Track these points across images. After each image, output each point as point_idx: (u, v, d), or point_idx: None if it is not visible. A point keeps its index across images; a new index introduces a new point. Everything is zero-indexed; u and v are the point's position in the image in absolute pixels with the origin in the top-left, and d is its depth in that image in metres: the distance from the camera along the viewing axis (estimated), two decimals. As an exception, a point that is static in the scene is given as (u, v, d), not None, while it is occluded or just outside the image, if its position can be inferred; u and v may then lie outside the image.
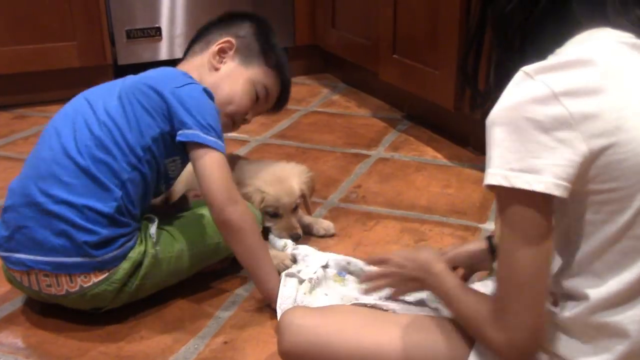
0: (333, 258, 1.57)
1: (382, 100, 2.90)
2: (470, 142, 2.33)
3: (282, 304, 1.38)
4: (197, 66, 1.56)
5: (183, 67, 1.57)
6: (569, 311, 0.90)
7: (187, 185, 1.77)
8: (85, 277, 1.31)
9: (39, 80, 2.97)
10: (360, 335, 1.08)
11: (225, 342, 1.34)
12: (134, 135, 1.35)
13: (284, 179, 1.68)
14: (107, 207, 1.30)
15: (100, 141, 1.33)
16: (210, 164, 1.34)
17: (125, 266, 1.34)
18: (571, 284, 0.91)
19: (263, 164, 1.77)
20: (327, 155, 2.34)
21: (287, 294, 1.40)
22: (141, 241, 1.37)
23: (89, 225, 1.29)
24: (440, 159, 2.28)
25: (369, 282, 1.22)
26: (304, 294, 1.43)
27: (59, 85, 3.00)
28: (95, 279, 1.32)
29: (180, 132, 1.35)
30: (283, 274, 1.46)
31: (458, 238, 1.74)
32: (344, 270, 1.55)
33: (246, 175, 1.70)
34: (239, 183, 1.65)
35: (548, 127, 0.82)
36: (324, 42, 3.23)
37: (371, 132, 2.55)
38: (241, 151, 2.37)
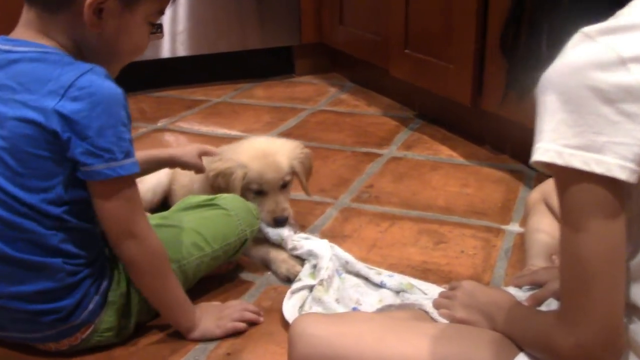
0: (335, 252, 1.45)
1: (393, 99, 2.78)
2: (487, 140, 2.21)
3: (289, 317, 1.25)
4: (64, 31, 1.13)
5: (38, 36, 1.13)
6: (634, 324, 0.77)
7: (188, 189, 1.65)
8: (70, 338, 1.18)
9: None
10: (382, 346, 0.95)
11: (228, 354, 1.21)
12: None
13: (269, 153, 1.56)
14: (54, 281, 1.13)
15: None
16: (103, 192, 1.13)
17: (108, 318, 1.19)
18: (630, 292, 0.77)
19: (249, 140, 1.66)
20: (337, 154, 2.21)
21: (293, 304, 1.28)
22: (120, 278, 1.21)
23: (48, 306, 1.14)
24: (457, 157, 2.15)
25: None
26: (318, 299, 1.30)
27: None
28: (82, 335, 1.18)
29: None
30: (289, 291, 1.34)
31: (480, 240, 1.61)
32: (342, 269, 1.43)
33: (229, 151, 1.58)
34: (221, 159, 1.54)
35: (613, 97, 0.69)
36: (330, 39, 3.11)
37: (382, 130, 2.43)
38: (245, 150, 2.24)
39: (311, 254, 1.44)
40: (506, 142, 2.12)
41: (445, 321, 1.09)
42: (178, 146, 1.63)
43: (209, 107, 2.81)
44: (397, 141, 2.31)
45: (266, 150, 1.56)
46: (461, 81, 2.12)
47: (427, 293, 1.33)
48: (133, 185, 1.14)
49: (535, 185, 1.86)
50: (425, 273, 1.47)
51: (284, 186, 1.56)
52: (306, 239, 1.51)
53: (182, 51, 3.07)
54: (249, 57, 3.20)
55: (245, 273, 1.49)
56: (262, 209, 1.52)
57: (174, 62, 3.08)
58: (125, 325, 1.23)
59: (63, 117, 1.06)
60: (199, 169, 1.56)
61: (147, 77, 3.07)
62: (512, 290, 1.18)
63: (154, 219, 1.34)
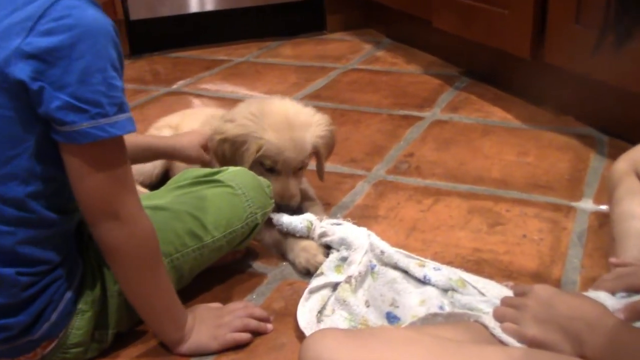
0: (371, 241, 1.17)
1: (435, 55, 2.45)
2: (548, 99, 1.87)
3: (305, 325, 0.98)
4: None
5: None
6: None
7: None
8: (27, 354, 0.92)
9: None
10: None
11: (228, 373, 0.95)
12: None
13: (294, 125, 1.26)
14: (5, 297, 0.87)
15: None
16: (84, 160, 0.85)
17: (77, 331, 0.93)
18: None
19: (272, 101, 1.33)
20: (371, 117, 1.91)
21: (310, 307, 1.01)
22: (93, 280, 0.95)
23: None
24: (512, 120, 1.83)
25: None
26: (343, 301, 1.03)
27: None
28: (42, 351, 0.92)
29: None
30: (306, 290, 1.06)
31: (546, 221, 1.30)
32: (376, 261, 1.14)
33: (243, 111, 1.28)
34: (233, 121, 1.25)
35: None
36: (365, -10, 2.78)
37: (423, 90, 2.11)
38: (266, 114, 1.96)
39: (344, 243, 1.16)
40: (572, 101, 1.79)
41: (511, 340, 0.81)
42: (187, 134, 1.34)
43: (230, 68, 2.53)
44: (441, 102, 1.99)
45: (291, 122, 1.26)
46: (519, 29, 1.79)
47: (484, 293, 1.05)
48: (124, 150, 0.87)
49: (610, 152, 1.55)
50: (479, 264, 1.18)
51: (300, 169, 1.28)
52: (337, 224, 1.23)
53: (208, 5, 2.79)
54: (277, 12, 2.91)
55: (255, 263, 1.22)
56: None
57: (196, 19, 2.80)
58: (100, 338, 0.97)
59: (32, 59, 0.78)
60: (203, 163, 1.31)
61: (164, 37, 2.81)
62: (602, 296, 0.88)
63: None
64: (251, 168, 1.22)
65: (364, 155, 1.65)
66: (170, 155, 1.30)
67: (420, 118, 1.88)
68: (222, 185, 1.10)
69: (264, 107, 1.30)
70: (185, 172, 1.18)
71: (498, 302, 0.98)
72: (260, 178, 1.16)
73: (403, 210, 1.38)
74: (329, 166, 1.46)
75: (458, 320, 0.87)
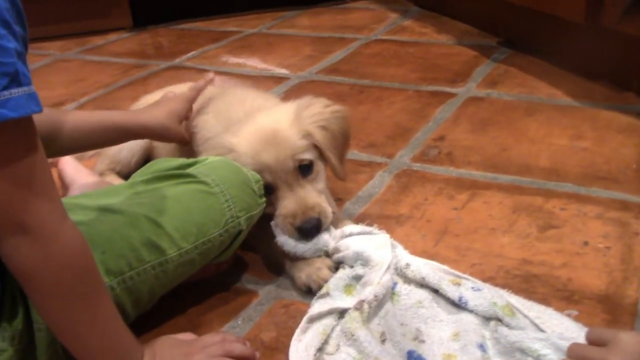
0: (397, 253, 0.92)
1: (470, 24, 2.17)
2: (605, 72, 1.58)
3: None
4: None
5: None
6: None
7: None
8: None
9: (32, 11, 2.38)
10: None
11: None
12: None
13: (267, 122, 0.98)
14: None
15: None
16: None
17: None
18: None
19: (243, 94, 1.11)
20: (395, 94, 1.65)
21: (308, 343, 0.76)
22: (13, 310, 0.71)
23: None
24: (562, 97, 1.55)
25: None
26: (350, 334, 0.78)
27: (57, 18, 2.42)
28: None
29: None
30: (305, 318, 0.81)
31: (612, 223, 1.03)
32: (398, 277, 0.89)
33: (209, 114, 1.07)
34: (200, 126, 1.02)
35: None
36: (391, -48, 2.50)
37: (456, 63, 1.84)
38: (276, 91, 1.71)
39: (360, 258, 0.91)
40: (632, 73, 1.50)
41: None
42: (162, 103, 1.06)
43: (239, 40, 2.27)
44: (477, 76, 1.72)
45: (265, 125, 0.98)
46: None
47: (539, 325, 0.79)
48: (29, 139, 0.62)
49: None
50: (528, 282, 0.91)
51: (305, 171, 0.98)
52: (354, 234, 0.97)
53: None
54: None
55: (244, 276, 0.98)
56: (276, 212, 0.96)
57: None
58: None
59: None
60: (181, 141, 1.06)
61: (170, 7, 2.56)
62: None
63: (83, 198, 0.83)
64: None
65: (385, 139, 1.39)
66: (140, 134, 1.03)
67: (452, 95, 1.61)
68: (193, 181, 0.85)
69: (235, 104, 1.08)
70: (154, 163, 0.94)
71: (559, 341, 0.72)
72: (249, 171, 0.91)
73: (432, 207, 1.12)
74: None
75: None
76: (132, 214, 0.79)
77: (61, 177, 1.21)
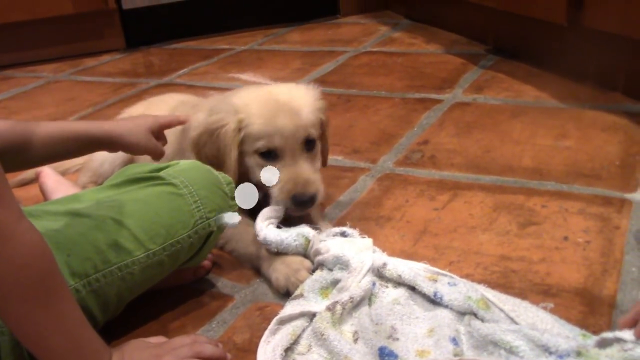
0: (376, 257, 0.91)
1: (459, 34, 2.18)
2: (590, 73, 1.58)
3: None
4: None
5: None
6: None
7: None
8: None
9: (26, 34, 2.41)
10: None
11: None
12: None
13: (281, 95, 1.02)
14: None
15: None
16: None
17: None
18: None
19: (252, 87, 1.11)
20: (381, 102, 1.65)
21: (276, 344, 0.75)
22: None
23: None
24: (547, 99, 1.54)
25: None
26: (320, 334, 0.77)
27: (51, 41, 2.44)
28: None
29: None
30: (274, 320, 0.81)
31: (593, 218, 1.02)
32: (376, 278, 0.88)
33: (218, 99, 1.07)
34: (210, 111, 1.02)
35: None
36: (380, -34, 2.52)
37: (443, 71, 1.84)
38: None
39: (339, 262, 0.90)
40: (618, 72, 1.50)
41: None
42: (132, 118, 1.07)
43: (230, 56, 2.28)
44: (464, 83, 1.72)
45: (276, 94, 1.02)
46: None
47: (514, 318, 0.78)
48: None
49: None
50: (506, 277, 0.90)
51: (310, 146, 1.01)
52: (337, 235, 0.97)
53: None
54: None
55: (221, 280, 0.97)
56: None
57: (197, 7, 2.56)
58: None
59: None
60: (154, 153, 1.02)
61: (163, 27, 2.58)
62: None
63: (52, 205, 0.83)
64: (244, 165, 0.98)
65: (369, 145, 1.39)
66: (108, 144, 1.01)
67: (438, 101, 1.61)
68: (161, 184, 0.85)
69: (240, 91, 1.08)
70: (126, 169, 0.93)
71: (531, 332, 0.71)
72: (220, 174, 0.91)
73: (412, 209, 1.11)
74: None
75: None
76: (99, 216, 0.79)
77: (42, 190, 1.21)
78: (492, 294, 0.83)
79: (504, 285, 0.88)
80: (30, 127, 0.92)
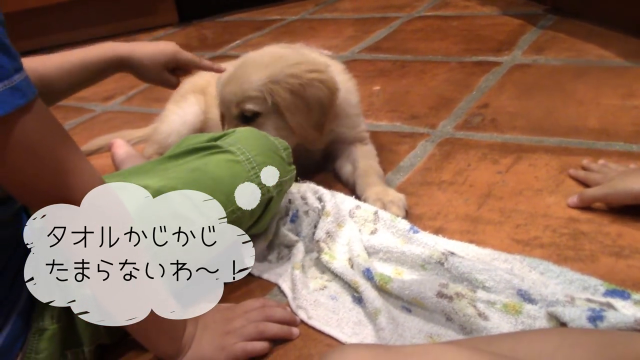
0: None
1: (515, -6, 2.12)
2: (657, 30, 1.51)
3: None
4: None
5: None
6: None
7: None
8: None
9: (80, 14, 2.45)
10: None
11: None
12: None
13: (247, 60, 1.08)
14: None
15: None
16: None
17: (39, 355, 0.72)
18: None
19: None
20: (437, 67, 1.62)
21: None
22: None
23: None
24: (612, 58, 1.49)
25: None
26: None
27: (105, 19, 2.48)
28: None
29: None
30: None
31: (666, 178, 0.99)
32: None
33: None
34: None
35: None
36: None
37: (501, 33, 1.79)
38: (317, 72, 1.70)
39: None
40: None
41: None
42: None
43: (282, 27, 2.28)
44: (523, 44, 1.67)
45: (247, 61, 1.07)
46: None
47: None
48: (22, 129, 0.57)
49: None
50: (576, 239, 0.88)
51: (248, 119, 1.03)
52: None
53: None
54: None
55: (286, 248, 0.98)
56: None
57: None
58: (76, 357, 0.76)
59: None
60: (167, 83, 1.10)
61: (216, 1, 2.59)
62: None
63: (113, 177, 0.84)
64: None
65: (427, 110, 1.37)
66: (126, 62, 1.06)
67: (497, 63, 1.57)
68: (219, 152, 0.86)
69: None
70: (185, 139, 0.95)
71: (507, 276, 0.74)
72: (276, 139, 0.91)
73: (475, 173, 1.10)
74: (383, 126, 1.20)
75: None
76: (161, 188, 0.80)
77: (113, 159, 1.25)
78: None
79: (573, 247, 0.86)
80: (46, 60, 0.95)
